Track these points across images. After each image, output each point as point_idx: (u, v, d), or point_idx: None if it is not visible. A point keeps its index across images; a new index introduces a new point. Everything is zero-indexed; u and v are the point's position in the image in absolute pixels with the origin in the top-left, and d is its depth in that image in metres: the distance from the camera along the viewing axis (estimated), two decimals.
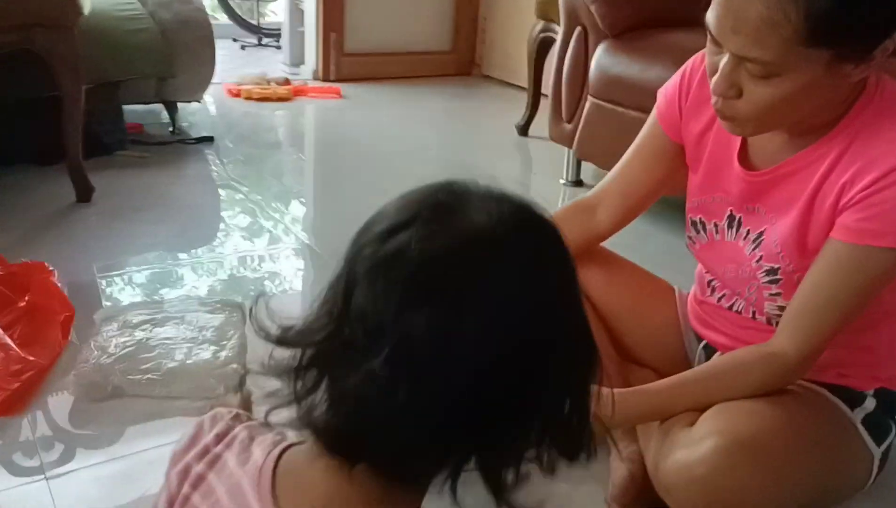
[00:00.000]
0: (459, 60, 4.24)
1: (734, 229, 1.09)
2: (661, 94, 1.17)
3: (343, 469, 0.53)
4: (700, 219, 1.14)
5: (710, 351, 1.21)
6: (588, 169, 2.62)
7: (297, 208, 2.34)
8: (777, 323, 1.02)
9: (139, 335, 1.41)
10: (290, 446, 0.60)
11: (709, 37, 0.92)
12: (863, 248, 0.92)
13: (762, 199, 1.04)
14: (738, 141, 1.06)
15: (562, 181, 2.62)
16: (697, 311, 1.24)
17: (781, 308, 1.04)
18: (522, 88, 3.28)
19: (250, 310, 0.57)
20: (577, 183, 2.61)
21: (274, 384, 0.57)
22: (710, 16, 0.89)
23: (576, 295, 0.54)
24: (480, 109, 3.69)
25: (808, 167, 0.97)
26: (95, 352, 1.35)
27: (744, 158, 1.05)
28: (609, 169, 1.25)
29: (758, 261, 1.05)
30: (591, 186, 2.66)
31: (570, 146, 2.47)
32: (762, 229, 1.05)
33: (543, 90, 2.98)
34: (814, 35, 0.83)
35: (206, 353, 1.38)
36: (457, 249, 0.50)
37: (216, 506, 0.58)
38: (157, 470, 0.67)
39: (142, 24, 2.53)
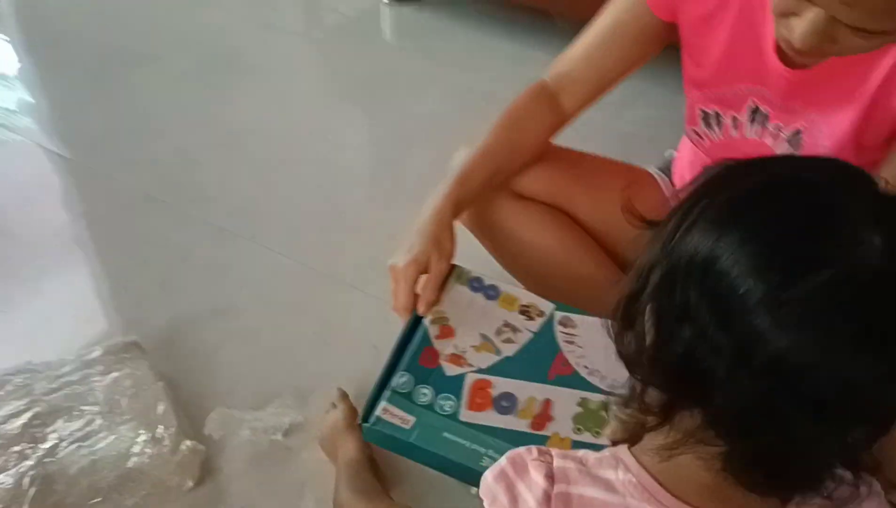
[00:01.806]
0: None
1: (759, 125, 0.97)
2: None
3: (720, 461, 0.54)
4: (715, 111, 1.01)
5: None
6: None
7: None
8: None
9: (33, 449, 1.02)
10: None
11: None
12: None
13: (806, 96, 0.91)
14: (767, 30, 0.89)
15: (385, 1, 2.24)
16: None
17: None
18: None
19: None
20: None
21: None
22: None
23: None
24: None
25: (870, 60, 0.84)
26: None
27: (779, 50, 0.89)
28: None
29: None
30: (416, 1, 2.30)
31: None
32: (798, 128, 0.94)
33: None
34: None
35: (141, 439, 1.04)
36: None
37: None
38: None
39: None
